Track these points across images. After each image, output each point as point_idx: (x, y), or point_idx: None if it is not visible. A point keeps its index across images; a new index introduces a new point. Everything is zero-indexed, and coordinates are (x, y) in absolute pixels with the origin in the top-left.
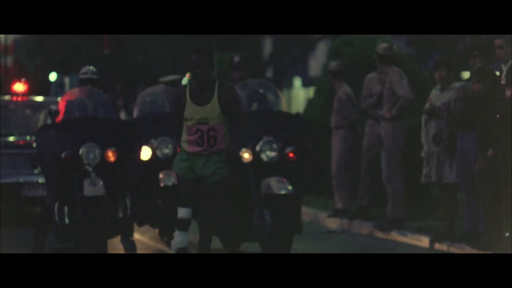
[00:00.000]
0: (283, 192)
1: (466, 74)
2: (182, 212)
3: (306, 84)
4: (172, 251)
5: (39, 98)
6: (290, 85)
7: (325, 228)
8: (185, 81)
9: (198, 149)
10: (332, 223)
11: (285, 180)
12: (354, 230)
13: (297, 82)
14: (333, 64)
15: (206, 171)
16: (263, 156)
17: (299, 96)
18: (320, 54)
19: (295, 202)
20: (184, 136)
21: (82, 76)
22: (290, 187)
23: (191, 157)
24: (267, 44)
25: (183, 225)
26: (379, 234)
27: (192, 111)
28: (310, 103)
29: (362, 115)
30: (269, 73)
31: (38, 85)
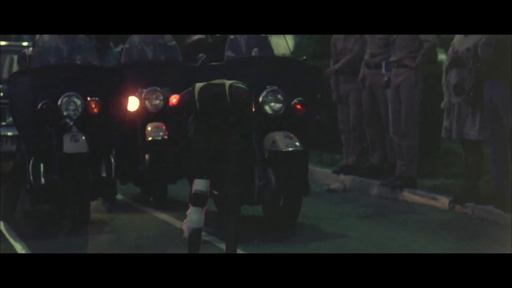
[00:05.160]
0: (290, 148)
1: None
2: (199, 185)
3: None
4: (184, 232)
5: (3, 42)
6: None
7: (324, 186)
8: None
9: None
10: (331, 181)
11: (292, 135)
12: (357, 188)
13: None
14: None
15: (228, 141)
16: (267, 108)
17: None
18: None
19: (303, 160)
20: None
21: None
22: (298, 143)
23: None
24: None
25: (199, 200)
26: (389, 194)
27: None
28: (298, 48)
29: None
30: None
31: None
